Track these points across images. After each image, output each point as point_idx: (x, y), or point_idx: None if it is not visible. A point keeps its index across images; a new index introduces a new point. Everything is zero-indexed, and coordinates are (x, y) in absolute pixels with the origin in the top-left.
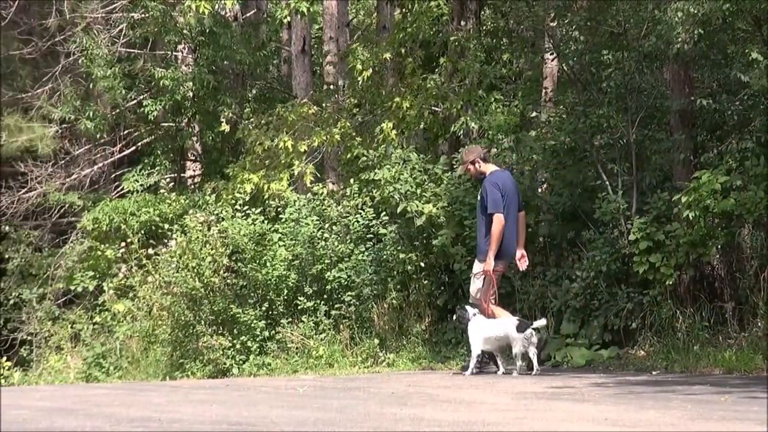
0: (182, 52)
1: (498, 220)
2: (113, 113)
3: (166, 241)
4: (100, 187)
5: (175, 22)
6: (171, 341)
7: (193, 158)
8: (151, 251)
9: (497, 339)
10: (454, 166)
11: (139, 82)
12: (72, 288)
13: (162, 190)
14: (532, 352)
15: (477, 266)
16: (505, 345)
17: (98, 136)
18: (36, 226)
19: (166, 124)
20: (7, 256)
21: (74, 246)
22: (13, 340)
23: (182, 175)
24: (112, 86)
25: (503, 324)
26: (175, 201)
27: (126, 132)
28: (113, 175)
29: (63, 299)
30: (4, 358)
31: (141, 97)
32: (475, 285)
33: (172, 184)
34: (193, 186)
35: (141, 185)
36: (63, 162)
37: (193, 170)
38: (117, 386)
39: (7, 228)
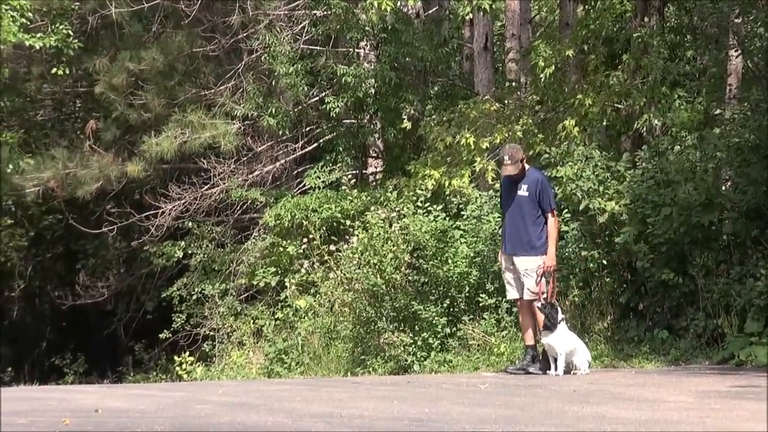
0: (364, 49)
1: (556, 217)
2: (295, 110)
3: (347, 237)
4: (282, 183)
5: (357, 18)
6: (352, 337)
7: (375, 155)
8: (332, 247)
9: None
10: (631, 161)
11: (321, 78)
12: (254, 284)
13: (344, 187)
14: None
15: (532, 261)
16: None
17: (280, 132)
18: (219, 222)
19: (348, 121)
20: (190, 252)
21: (256, 242)
22: (196, 335)
23: (364, 171)
24: (294, 83)
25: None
26: (357, 197)
27: (308, 129)
28: (295, 172)
29: (245, 295)
30: (188, 353)
31: (323, 93)
32: (533, 281)
33: (354, 180)
34: (374, 182)
35: (323, 182)
36: (245, 158)
37: (375, 167)
38: (298, 382)
39: (190, 224)
